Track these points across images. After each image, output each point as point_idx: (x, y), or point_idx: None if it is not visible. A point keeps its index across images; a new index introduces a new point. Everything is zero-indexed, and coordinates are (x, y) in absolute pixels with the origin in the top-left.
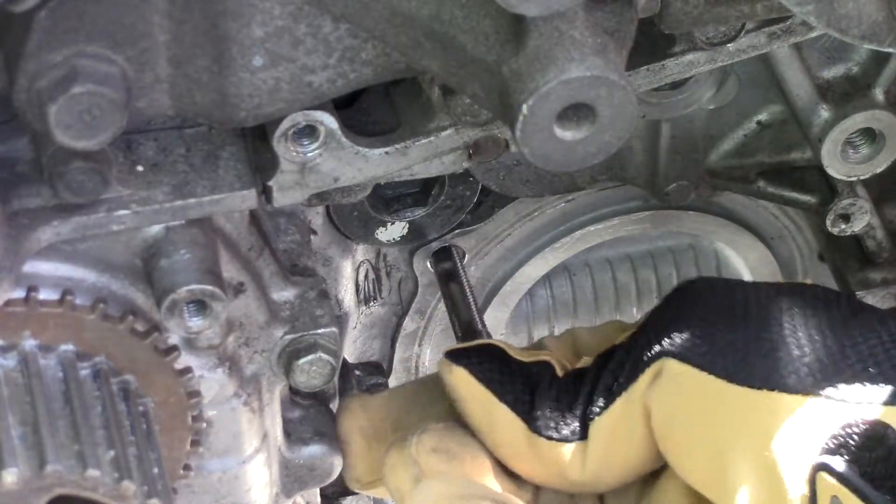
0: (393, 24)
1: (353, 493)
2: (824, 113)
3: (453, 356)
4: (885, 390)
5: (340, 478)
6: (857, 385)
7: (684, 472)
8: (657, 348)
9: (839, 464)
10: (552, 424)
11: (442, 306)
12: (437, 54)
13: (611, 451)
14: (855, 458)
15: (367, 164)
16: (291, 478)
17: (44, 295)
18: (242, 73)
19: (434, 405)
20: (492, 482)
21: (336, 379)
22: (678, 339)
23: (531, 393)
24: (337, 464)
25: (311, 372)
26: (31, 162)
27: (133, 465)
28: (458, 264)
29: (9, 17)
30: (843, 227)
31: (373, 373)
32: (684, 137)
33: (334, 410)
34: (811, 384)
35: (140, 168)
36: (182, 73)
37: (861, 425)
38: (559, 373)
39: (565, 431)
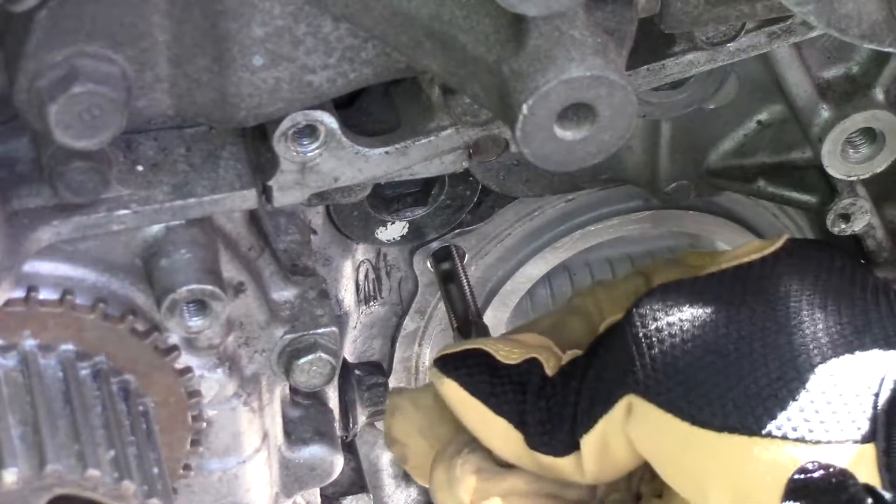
0: (393, 24)
1: (353, 493)
2: (824, 113)
3: (442, 366)
4: (848, 427)
5: (341, 477)
6: (818, 422)
7: (674, 488)
8: (624, 382)
9: None
10: (546, 440)
11: (442, 306)
12: (437, 54)
13: (603, 460)
14: (815, 502)
15: (367, 164)
16: (291, 478)
17: (44, 295)
18: (242, 72)
19: None
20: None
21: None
22: (640, 373)
23: (523, 395)
24: (337, 463)
25: (311, 372)
26: (31, 162)
27: (133, 465)
28: (458, 264)
29: (9, 17)
30: (844, 226)
31: (373, 373)
32: (684, 137)
33: (332, 409)
34: (772, 425)
35: (140, 168)
36: (182, 72)
37: (820, 470)
38: (548, 371)
39: (559, 448)
